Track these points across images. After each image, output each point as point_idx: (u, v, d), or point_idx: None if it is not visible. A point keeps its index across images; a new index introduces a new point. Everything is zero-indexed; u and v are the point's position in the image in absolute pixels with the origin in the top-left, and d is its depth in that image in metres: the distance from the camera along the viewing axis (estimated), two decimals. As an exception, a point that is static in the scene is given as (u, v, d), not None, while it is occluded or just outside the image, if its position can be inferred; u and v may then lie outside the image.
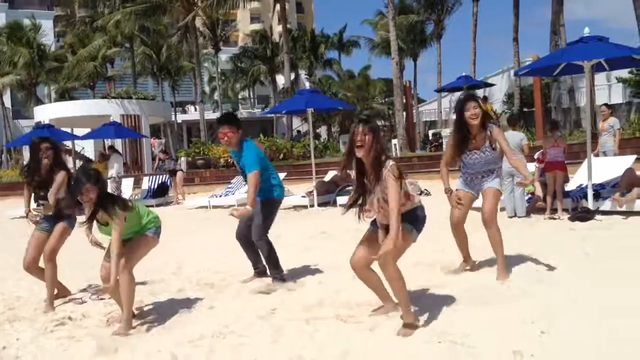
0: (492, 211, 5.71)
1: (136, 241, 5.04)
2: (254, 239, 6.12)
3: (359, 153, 4.16)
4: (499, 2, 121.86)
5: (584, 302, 4.71)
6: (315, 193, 13.80)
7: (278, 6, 73.58)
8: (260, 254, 6.22)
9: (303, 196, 14.17)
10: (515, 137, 9.84)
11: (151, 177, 19.62)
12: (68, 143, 35.87)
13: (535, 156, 10.68)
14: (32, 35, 36.73)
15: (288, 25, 68.38)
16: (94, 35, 36.63)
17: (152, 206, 17.45)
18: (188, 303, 5.62)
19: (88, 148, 41.02)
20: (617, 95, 25.95)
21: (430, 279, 5.81)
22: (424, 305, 4.88)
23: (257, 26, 66.06)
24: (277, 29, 56.62)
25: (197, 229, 11.83)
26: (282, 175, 17.10)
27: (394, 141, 22.88)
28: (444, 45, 34.26)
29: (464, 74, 22.57)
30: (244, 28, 66.40)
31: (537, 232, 8.47)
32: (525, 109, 29.82)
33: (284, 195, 6.34)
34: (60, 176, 5.88)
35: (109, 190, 17.58)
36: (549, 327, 4.14)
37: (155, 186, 18.76)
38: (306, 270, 6.70)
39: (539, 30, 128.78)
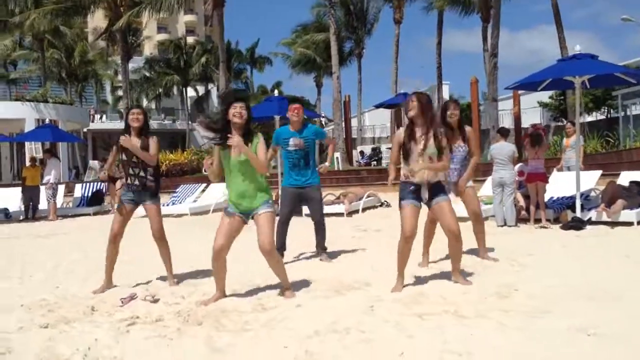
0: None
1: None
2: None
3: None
4: (420, 26, 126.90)
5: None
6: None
7: (187, 17, 72.29)
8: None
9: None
10: (506, 148, 10.15)
11: (84, 184, 18.61)
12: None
13: (516, 168, 11.00)
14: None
15: (196, 37, 67.23)
16: (-1, 36, 34.26)
17: (89, 214, 16.58)
18: (262, 302, 5.26)
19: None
20: (536, 119, 27.40)
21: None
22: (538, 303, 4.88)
23: (164, 36, 64.55)
24: (188, 40, 55.58)
25: (175, 232, 10.90)
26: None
27: (336, 154, 22.91)
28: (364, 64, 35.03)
29: (402, 91, 22.97)
30: (151, 37, 64.55)
31: (545, 240, 8.51)
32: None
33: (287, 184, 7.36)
34: None
35: (46, 197, 16.10)
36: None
37: (89, 194, 17.75)
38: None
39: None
